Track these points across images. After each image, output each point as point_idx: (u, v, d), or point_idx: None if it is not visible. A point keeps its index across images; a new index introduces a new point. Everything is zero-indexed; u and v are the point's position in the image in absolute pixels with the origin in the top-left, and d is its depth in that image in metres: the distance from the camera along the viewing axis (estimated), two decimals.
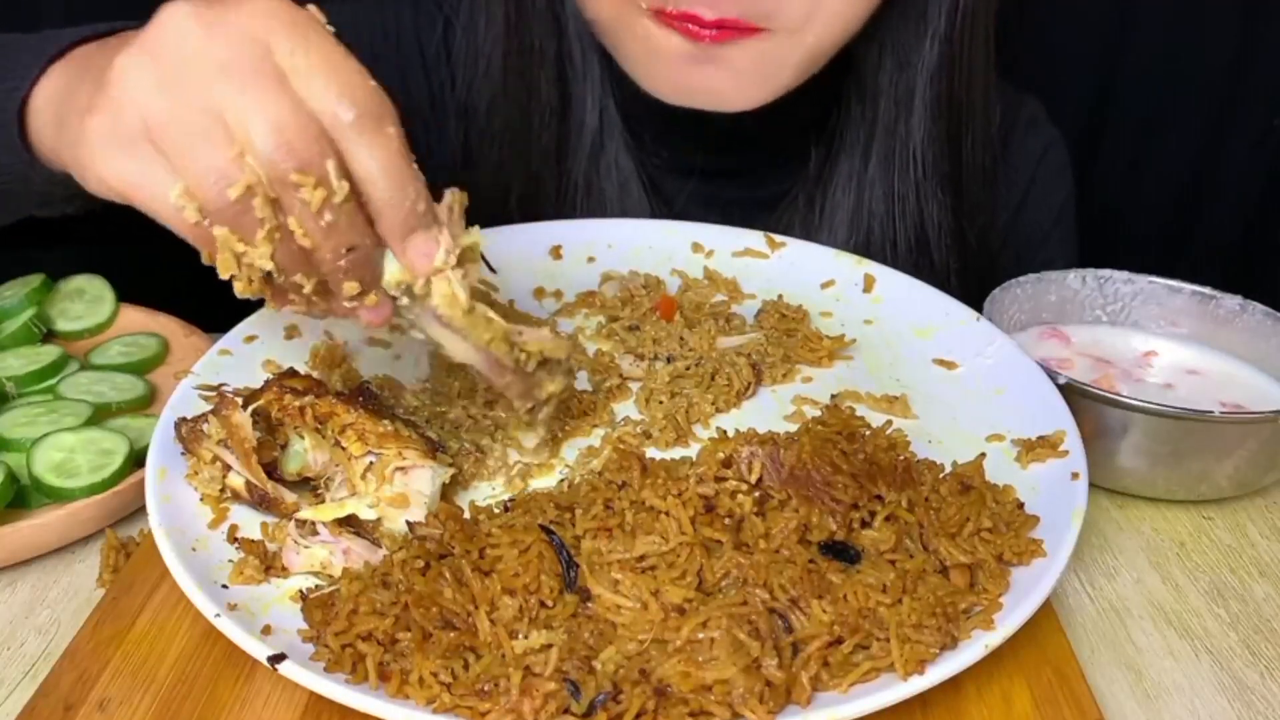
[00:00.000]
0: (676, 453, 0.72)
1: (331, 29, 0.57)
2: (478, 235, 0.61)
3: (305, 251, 0.56)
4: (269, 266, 0.56)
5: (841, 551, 0.60)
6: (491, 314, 0.62)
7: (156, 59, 0.54)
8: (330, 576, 0.61)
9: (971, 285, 0.97)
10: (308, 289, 0.58)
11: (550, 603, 0.57)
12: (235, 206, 0.54)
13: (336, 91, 0.54)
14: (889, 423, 0.73)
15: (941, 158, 0.97)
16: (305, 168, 0.53)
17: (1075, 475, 0.68)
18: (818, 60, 0.89)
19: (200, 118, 0.53)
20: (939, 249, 0.99)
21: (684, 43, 0.84)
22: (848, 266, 0.91)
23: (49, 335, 0.89)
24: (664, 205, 1.03)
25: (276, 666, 0.54)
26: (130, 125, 0.54)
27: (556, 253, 0.93)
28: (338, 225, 0.55)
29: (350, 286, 0.58)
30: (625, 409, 0.77)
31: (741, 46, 0.84)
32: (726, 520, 0.61)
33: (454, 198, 0.60)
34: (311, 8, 0.57)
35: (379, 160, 0.55)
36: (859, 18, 0.87)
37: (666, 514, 0.60)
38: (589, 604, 0.57)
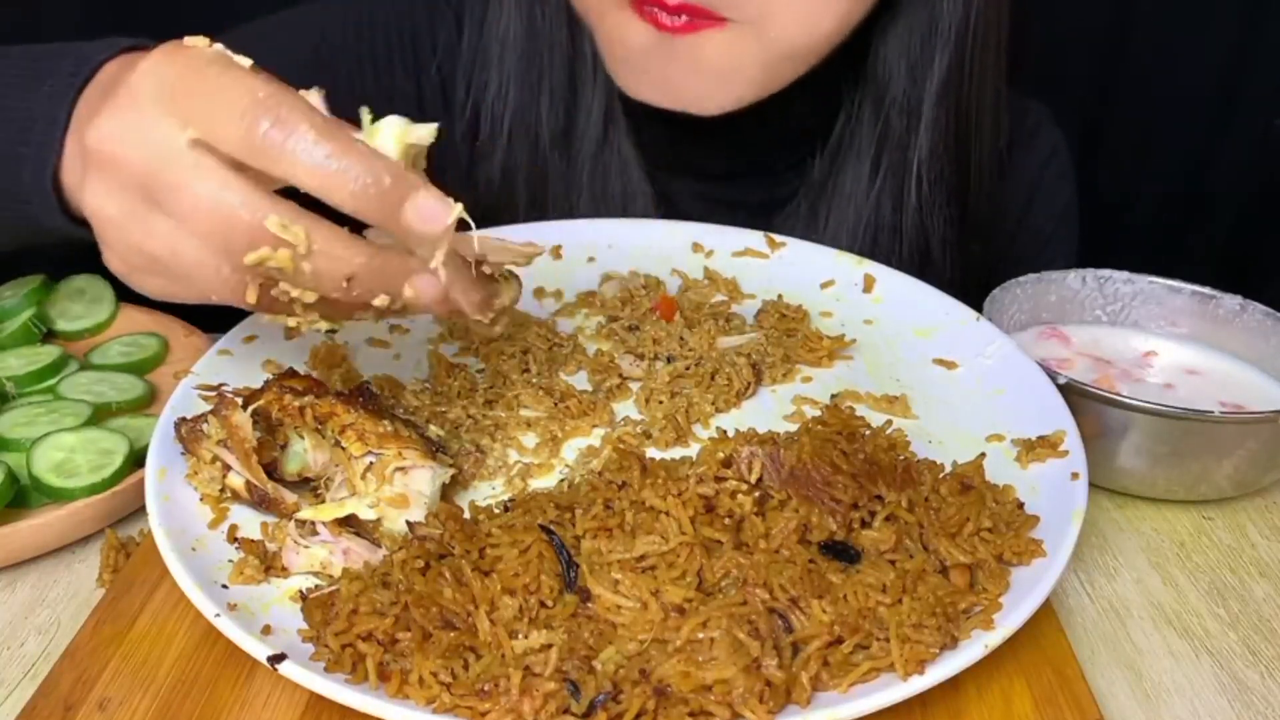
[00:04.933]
0: (676, 453, 0.72)
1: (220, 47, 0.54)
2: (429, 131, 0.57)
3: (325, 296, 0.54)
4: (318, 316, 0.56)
5: (841, 551, 0.60)
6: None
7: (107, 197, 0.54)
8: (330, 576, 0.61)
9: (971, 286, 0.97)
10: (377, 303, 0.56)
11: (550, 603, 0.57)
12: (261, 298, 0.54)
13: (226, 119, 0.50)
14: (889, 423, 0.73)
15: (949, 171, 0.97)
16: (254, 244, 0.50)
17: (1075, 475, 0.68)
18: (789, 61, 0.88)
19: (164, 243, 0.53)
20: (942, 261, 0.99)
21: (650, 32, 0.84)
22: (848, 266, 0.91)
23: (49, 335, 0.89)
24: (665, 202, 1.03)
25: (276, 666, 0.54)
26: (132, 259, 0.56)
27: (556, 253, 0.92)
28: (320, 268, 0.52)
29: (381, 300, 0.55)
30: (625, 409, 0.77)
31: (705, 38, 0.84)
32: (726, 520, 0.61)
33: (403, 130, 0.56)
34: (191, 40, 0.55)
35: (306, 167, 0.50)
36: (829, 22, 0.87)
37: (666, 514, 0.60)
38: (589, 604, 0.57)
